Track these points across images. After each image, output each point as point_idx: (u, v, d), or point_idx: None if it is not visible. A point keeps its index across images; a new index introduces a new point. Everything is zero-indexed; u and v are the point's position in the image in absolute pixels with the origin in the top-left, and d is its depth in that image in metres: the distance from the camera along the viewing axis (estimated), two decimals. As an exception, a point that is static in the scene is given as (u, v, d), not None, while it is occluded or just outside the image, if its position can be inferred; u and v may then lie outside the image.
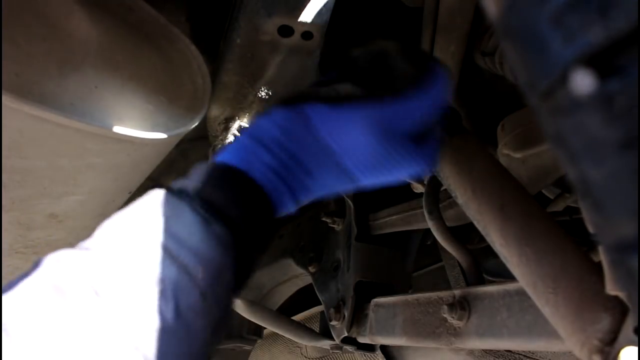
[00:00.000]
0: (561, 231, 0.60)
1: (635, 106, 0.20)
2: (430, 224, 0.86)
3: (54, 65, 0.72)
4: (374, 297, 1.07)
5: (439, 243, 0.87)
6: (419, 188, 0.97)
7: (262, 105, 0.94)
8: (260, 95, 0.93)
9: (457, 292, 0.83)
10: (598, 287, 0.52)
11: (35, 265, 0.42)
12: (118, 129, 0.73)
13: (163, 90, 0.85)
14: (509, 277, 0.66)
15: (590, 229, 0.37)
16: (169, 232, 0.43)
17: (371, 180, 0.54)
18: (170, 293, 0.41)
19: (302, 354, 2.11)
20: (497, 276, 1.48)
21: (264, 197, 0.49)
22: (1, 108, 0.61)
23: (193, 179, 0.48)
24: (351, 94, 0.51)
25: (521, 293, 0.71)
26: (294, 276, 1.58)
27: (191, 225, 0.44)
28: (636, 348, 0.46)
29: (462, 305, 0.80)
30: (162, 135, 0.79)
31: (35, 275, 0.40)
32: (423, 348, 1.48)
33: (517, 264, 0.61)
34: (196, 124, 0.85)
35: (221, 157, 0.50)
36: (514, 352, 1.35)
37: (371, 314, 1.05)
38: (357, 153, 0.51)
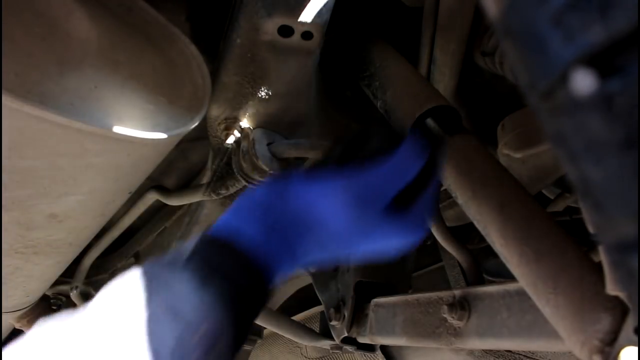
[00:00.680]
0: (561, 231, 0.60)
1: (635, 106, 0.20)
2: (430, 224, 0.86)
3: (53, 65, 0.72)
4: (374, 297, 1.07)
5: (439, 243, 0.87)
6: (419, 188, 0.97)
7: (262, 105, 0.94)
8: (260, 95, 0.93)
9: (457, 292, 0.83)
10: (598, 287, 0.52)
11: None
12: (118, 129, 0.73)
13: (163, 90, 0.85)
14: (509, 277, 0.66)
15: (590, 229, 0.37)
16: (164, 300, 0.44)
17: (354, 250, 0.55)
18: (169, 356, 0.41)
19: (302, 354, 2.11)
20: (497, 276, 1.48)
21: (252, 265, 0.49)
22: (1, 108, 0.61)
23: (178, 255, 0.49)
24: (327, 170, 0.54)
25: (521, 293, 0.71)
26: (294, 276, 1.58)
27: (187, 292, 0.44)
28: (636, 348, 0.46)
29: (462, 305, 0.80)
30: (162, 135, 0.79)
31: (23, 340, 0.41)
32: (423, 348, 1.48)
33: (517, 264, 0.61)
34: (196, 124, 0.85)
35: (211, 229, 0.51)
36: (514, 352, 1.35)
37: (371, 314, 1.05)
38: (333, 224, 0.52)
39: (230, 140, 1.00)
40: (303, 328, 1.33)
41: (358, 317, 1.10)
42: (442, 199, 0.96)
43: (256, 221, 0.51)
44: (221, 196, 1.09)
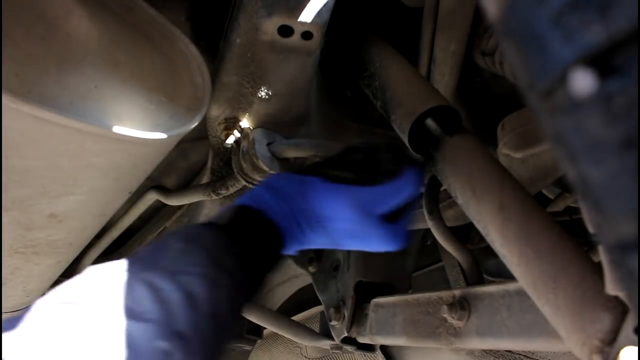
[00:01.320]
0: (561, 231, 0.60)
1: (635, 106, 0.20)
2: (430, 224, 0.86)
3: (53, 65, 0.72)
4: (374, 297, 1.07)
5: (439, 243, 0.87)
6: (419, 188, 0.97)
7: (262, 105, 0.94)
8: (260, 95, 0.93)
9: (457, 292, 0.83)
10: (598, 287, 0.52)
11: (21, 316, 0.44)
12: (118, 129, 0.73)
13: (163, 89, 0.85)
14: (509, 277, 0.66)
15: (590, 229, 0.37)
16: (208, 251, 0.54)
17: (349, 245, 0.68)
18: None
19: (302, 354, 2.11)
20: (497, 276, 1.48)
21: (276, 235, 0.63)
22: (1, 108, 0.61)
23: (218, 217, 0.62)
24: (342, 177, 0.67)
25: (521, 293, 0.71)
26: (294, 276, 1.58)
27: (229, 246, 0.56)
28: (636, 348, 0.46)
29: (462, 305, 0.80)
30: (162, 135, 0.79)
31: (22, 324, 0.42)
32: (423, 348, 1.48)
33: (517, 264, 0.61)
34: (196, 124, 0.85)
35: (240, 201, 0.65)
36: (514, 352, 1.35)
37: (371, 314, 1.05)
38: (339, 222, 0.65)
39: (230, 140, 1.00)
40: (303, 328, 1.33)
41: (358, 317, 1.10)
42: (442, 199, 0.96)
43: (282, 203, 0.64)
44: (221, 196, 1.09)
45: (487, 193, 0.67)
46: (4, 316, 1.45)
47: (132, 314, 0.43)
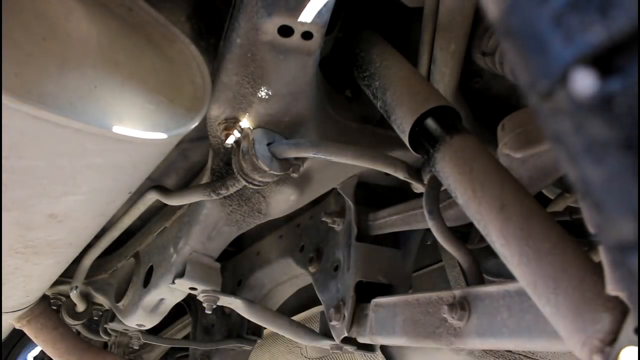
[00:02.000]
0: (561, 231, 0.60)
1: (635, 106, 0.20)
2: (430, 224, 0.86)
3: (53, 65, 0.72)
4: (374, 297, 1.07)
5: (439, 243, 0.87)
6: (419, 188, 0.97)
7: (262, 105, 0.94)
8: (260, 95, 0.93)
9: (457, 292, 0.83)
10: (598, 287, 0.52)
11: None
12: (118, 129, 0.73)
13: (163, 90, 0.85)
14: (509, 277, 0.66)
15: (590, 229, 0.37)
16: None
17: None
18: None
19: (302, 354, 2.11)
20: (497, 276, 1.48)
21: None
22: (1, 108, 0.61)
23: None
24: None
25: (521, 293, 0.71)
26: (294, 276, 1.58)
27: None
28: (636, 348, 0.46)
29: (462, 305, 0.80)
30: (162, 135, 0.79)
31: None
32: (423, 348, 1.48)
33: (517, 264, 0.61)
34: (196, 124, 0.85)
35: None
36: (514, 352, 1.35)
37: (371, 314, 1.05)
38: None
39: (230, 140, 1.00)
40: (303, 328, 1.33)
41: (358, 317, 1.10)
42: (442, 199, 0.96)
43: None
44: (221, 196, 1.09)
45: (487, 193, 0.67)
46: (4, 316, 1.45)
47: None
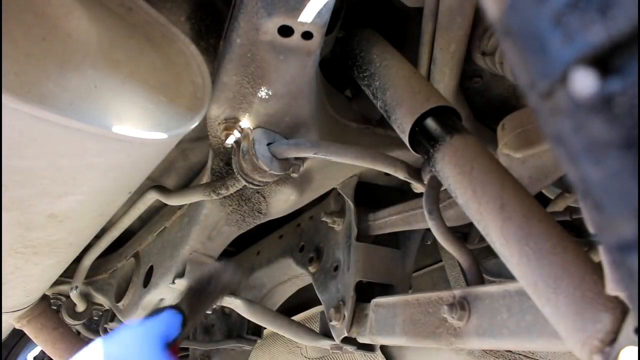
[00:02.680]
0: (561, 231, 0.60)
1: (635, 106, 0.20)
2: (430, 224, 0.86)
3: (53, 65, 0.72)
4: (374, 297, 1.07)
5: (439, 243, 0.87)
6: (419, 188, 0.97)
7: (262, 105, 0.94)
8: (260, 95, 0.93)
9: (457, 292, 0.83)
10: (598, 287, 0.52)
11: None
12: (118, 129, 0.73)
13: (163, 90, 0.85)
14: (509, 277, 0.66)
15: (590, 229, 0.37)
16: None
17: None
18: None
19: (302, 354, 2.11)
20: (497, 276, 1.48)
21: None
22: (1, 108, 0.61)
23: None
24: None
25: (521, 293, 0.71)
26: (294, 276, 1.58)
27: None
28: (636, 348, 0.46)
29: (462, 305, 0.80)
30: (162, 135, 0.79)
31: None
32: (423, 348, 1.48)
33: (517, 264, 0.61)
34: (196, 124, 0.85)
35: None
36: (514, 352, 1.35)
37: (371, 314, 1.05)
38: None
39: (230, 140, 1.00)
40: (303, 328, 1.33)
41: (358, 317, 1.10)
42: (442, 199, 0.96)
43: None
44: (221, 196, 1.09)
45: (487, 193, 0.67)
46: (4, 316, 1.45)
47: None
